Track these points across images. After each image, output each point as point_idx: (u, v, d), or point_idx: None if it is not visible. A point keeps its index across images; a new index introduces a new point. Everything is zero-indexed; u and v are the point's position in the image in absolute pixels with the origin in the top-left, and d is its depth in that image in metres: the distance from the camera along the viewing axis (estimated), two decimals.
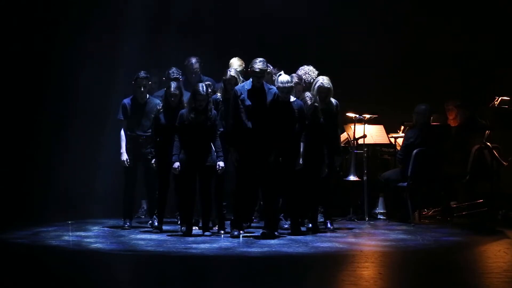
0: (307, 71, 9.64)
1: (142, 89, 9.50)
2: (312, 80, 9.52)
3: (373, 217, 10.32)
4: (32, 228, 9.17)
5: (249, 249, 7.89)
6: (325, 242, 8.42)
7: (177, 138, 8.79)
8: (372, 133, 10.49)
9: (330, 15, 11.48)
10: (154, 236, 8.74)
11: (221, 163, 8.78)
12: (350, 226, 9.68)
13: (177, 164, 8.76)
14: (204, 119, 8.74)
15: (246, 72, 9.22)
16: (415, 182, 9.76)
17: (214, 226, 9.10)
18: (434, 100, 10.55)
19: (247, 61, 9.07)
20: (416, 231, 9.20)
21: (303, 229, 9.04)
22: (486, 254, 7.89)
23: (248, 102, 8.63)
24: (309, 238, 8.66)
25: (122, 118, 9.53)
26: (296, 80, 9.35)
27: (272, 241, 8.34)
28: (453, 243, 8.57)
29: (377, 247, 8.28)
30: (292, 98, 8.87)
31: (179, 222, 9.10)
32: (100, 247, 8.03)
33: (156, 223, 9.15)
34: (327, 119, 9.10)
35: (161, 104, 9.16)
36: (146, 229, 9.26)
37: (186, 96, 9.10)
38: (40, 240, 8.52)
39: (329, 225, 9.29)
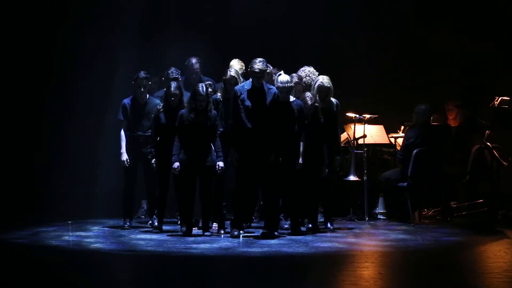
0: (307, 73, 9.61)
1: (142, 89, 9.49)
2: (312, 82, 9.50)
3: (373, 217, 10.32)
4: (32, 228, 9.17)
5: (249, 249, 7.89)
6: (325, 242, 8.42)
7: (177, 138, 8.79)
8: (372, 133, 10.49)
9: (330, 15, 11.47)
10: (154, 236, 8.74)
11: (221, 163, 8.78)
12: (350, 226, 9.68)
13: (176, 164, 8.76)
14: (204, 119, 8.74)
15: (246, 73, 9.22)
16: (415, 182, 9.76)
17: (214, 226, 9.10)
18: (434, 100, 10.56)
19: (247, 61, 9.06)
20: (416, 231, 9.20)
21: (303, 229, 9.04)
22: (486, 254, 7.89)
23: (248, 102, 8.62)
24: (309, 238, 8.66)
25: (122, 118, 9.53)
26: (296, 80, 9.35)
27: (272, 241, 8.34)
28: (453, 243, 8.57)
29: (377, 247, 8.28)
30: (292, 98, 8.88)
31: (179, 222, 9.10)
32: (100, 247, 8.03)
33: (156, 223, 9.15)
34: (327, 119, 9.10)
35: (161, 104, 9.16)
36: (146, 229, 9.26)
37: (186, 96, 9.10)
38: (40, 240, 8.52)
39: (329, 225, 9.29)
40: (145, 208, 10.26)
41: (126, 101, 9.56)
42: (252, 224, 9.27)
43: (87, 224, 9.63)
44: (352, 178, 10.15)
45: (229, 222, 8.88)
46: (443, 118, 10.85)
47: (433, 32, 11.55)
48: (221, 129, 8.90)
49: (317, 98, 9.11)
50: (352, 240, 8.71)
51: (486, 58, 11.45)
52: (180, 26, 11.25)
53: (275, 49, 10.84)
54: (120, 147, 9.46)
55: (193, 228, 8.85)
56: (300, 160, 8.79)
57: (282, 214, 9.19)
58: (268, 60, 8.91)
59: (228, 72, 9.14)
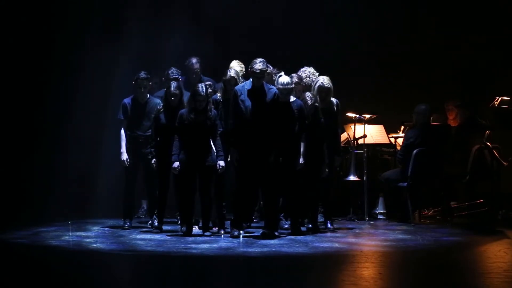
0: (308, 74, 9.60)
1: (143, 90, 9.50)
2: (312, 83, 9.49)
3: (373, 217, 10.32)
4: (32, 228, 9.17)
5: (249, 249, 7.89)
6: (325, 242, 8.42)
7: (177, 138, 8.80)
8: (372, 133, 10.50)
9: (330, 15, 11.47)
10: (154, 236, 8.74)
11: (222, 162, 8.78)
12: (350, 226, 9.68)
13: (176, 164, 8.76)
14: (204, 119, 8.74)
15: (246, 74, 9.22)
16: (415, 182, 9.76)
17: (214, 226, 9.10)
18: (434, 100, 10.56)
19: (247, 62, 9.06)
20: (416, 231, 9.20)
21: (303, 229, 9.04)
22: (486, 254, 7.89)
23: (248, 102, 8.62)
24: (309, 238, 8.66)
25: (122, 118, 9.53)
26: (296, 80, 9.34)
27: (272, 241, 8.35)
28: (453, 243, 8.57)
29: (377, 247, 8.28)
30: (292, 98, 8.87)
31: (179, 222, 9.10)
32: (100, 247, 8.03)
33: (156, 223, 9.15)
34: (328, 119, 9.10)
35: (162, 104, 9.16)
36: (146, 229, 9.26)
37: (186, 96, 9.11)
38: (40, 240, 8.52)
39: (329, 225, 9.29)
40: (145, 208, 10.26)
41: (127, 100, 9.56)
42: (252, 224, 9.27)
43: (87, 224, 9.63)
44: (352, 178, 10.15)
45: (229, 222, 8.88)
46: (443, 118, 10.85)
47: (433, 32, 11.55)
48: (221, 129, 8.91)
49: (317, 98, 9.11)
50: (352, 240, 8.71)
51: (486, 58, 11.45)
52: (180, 25, 11.24)
53: (275, 49, 10.83)
54: (120, 146, 9.46)
55: (193, 228, 8.85)
56: (301, 160, 8.79)
57: (282, 214, 9.19)
58: (268, 61, 8.91)
59: (228, 73, 9.15)
